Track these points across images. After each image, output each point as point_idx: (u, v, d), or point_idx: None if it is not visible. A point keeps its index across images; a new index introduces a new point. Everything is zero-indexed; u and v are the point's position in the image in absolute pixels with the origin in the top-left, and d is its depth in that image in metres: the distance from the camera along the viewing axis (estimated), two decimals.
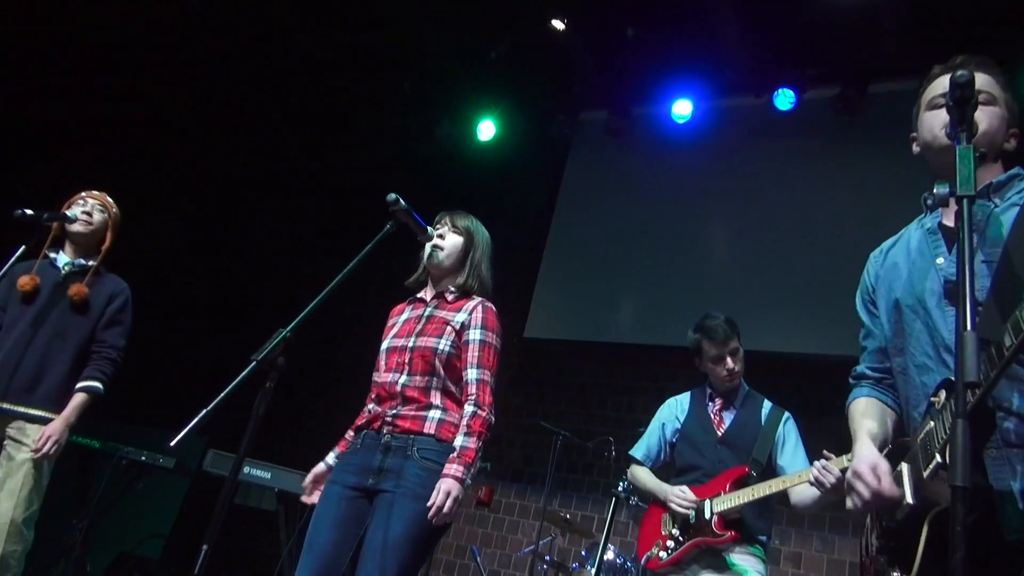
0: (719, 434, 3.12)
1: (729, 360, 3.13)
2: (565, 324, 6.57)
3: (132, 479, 5.21)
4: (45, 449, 2.98)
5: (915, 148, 1.71)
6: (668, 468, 3.37)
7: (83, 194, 3.38)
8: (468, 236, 2.61)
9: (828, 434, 5.17)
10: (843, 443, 5.39)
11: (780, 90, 5.94)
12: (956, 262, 1.22)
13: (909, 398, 1.58)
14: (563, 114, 6.85)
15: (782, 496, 2.94)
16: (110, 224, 3.38)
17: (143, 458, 5.04)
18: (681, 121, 6.39)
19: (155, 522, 6.08)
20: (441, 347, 2.43)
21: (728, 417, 3.16)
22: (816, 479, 2.62)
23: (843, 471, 2.62)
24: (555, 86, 6.75)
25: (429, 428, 2.34)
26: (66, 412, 3.08)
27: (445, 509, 2.19)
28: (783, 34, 5.76)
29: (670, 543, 3.00)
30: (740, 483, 2.96)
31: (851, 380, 1.87)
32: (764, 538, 3.01)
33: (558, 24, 5.90)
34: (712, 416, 3.18)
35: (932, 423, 1.38)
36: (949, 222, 1.57)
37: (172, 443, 1.59)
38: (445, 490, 2.21)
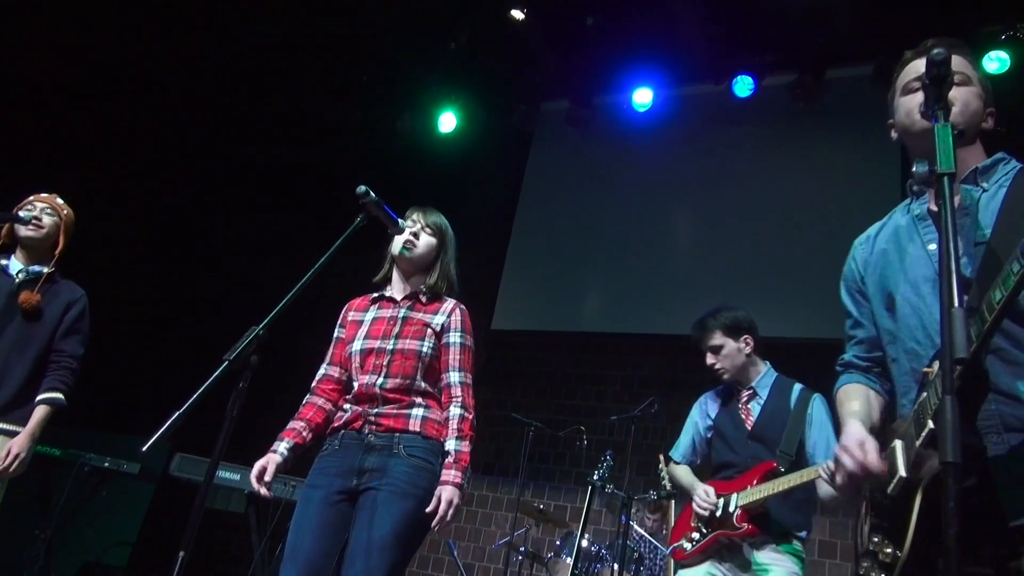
0: (748, 428, 3.04)
1: (709, 356, 3.11)
2: (532, 315, 6.57)
3: (95, 486, 5.08)
4: (12, 468, 2.90)
5: (893, 134, 1.72)
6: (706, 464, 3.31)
7: (31, 198, 3.26)
8: (441, 236, 2.59)
9: None
10: None
11: (739, 77, 6.00)
12: (938, 240, 1.23)
13: (900, 385, 1.59)
14: (524, 104, 6.84)
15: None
16: (62, 227, 3.27)
17: (106, 464, 4.92)
18: (642, 110, 6.43)
19: (120, 529, 5.95)
20: (424, 350, 2.41)
21: (756, 408, 3.08)
22: (823, 474, 2.55)
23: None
24: (515, 77, 6.73)
25: (414, 426, 2.32)
26: (30, 427, 2.98)
27: (448, 517, 2.20)
28: (741, 21, 5.81)
29: (695, 535, 3.00)
30: (767, 477, 2.87)
31: (838, 368, 1.86)
32: (803, 534, 2.91)
33: (517, 14, 5.87)
34: (740, 409, 3.10)
35: (925, 393, 1.38)
36: (937, 207, 1.57)
37: (144, 448, 1.54)
38: (447, 498, 2.21)
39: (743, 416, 3.08)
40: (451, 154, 6.98)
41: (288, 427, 2.47)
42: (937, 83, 1.26)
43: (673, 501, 3.64)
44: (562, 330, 6.42)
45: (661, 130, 6.42)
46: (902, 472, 1.38)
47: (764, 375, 3.14)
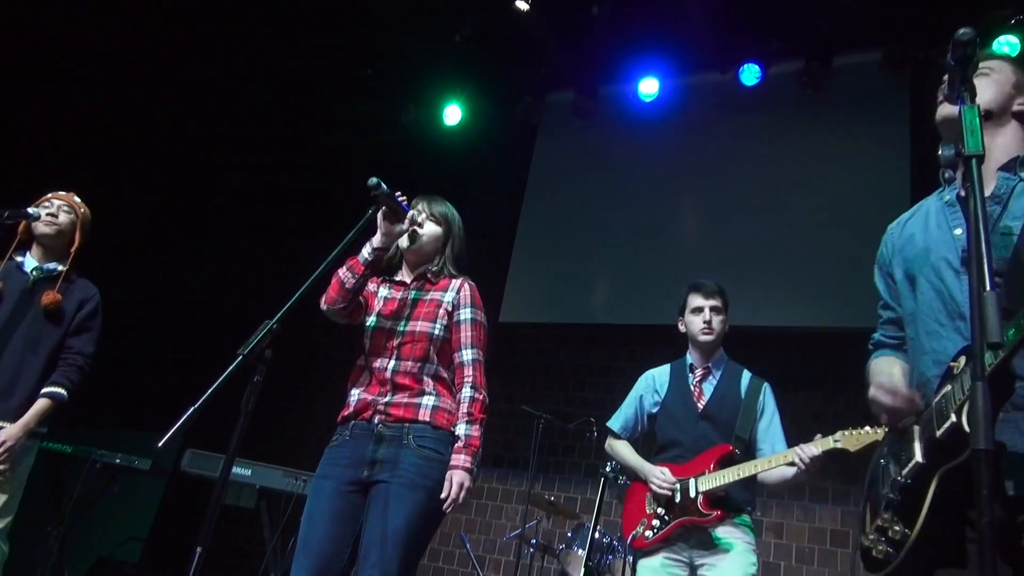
0: (700, 408, 3.09)
1: (707, 312, 3.13)
2: (540, 307, 6.56)
3: (107, 482, 5.10)
4: (1, 458, 2.87)
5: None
6: (648, 442, 3.34)
7: (49, 195, 3.26)
8: (446, 224, 2.57)
9: (804, 407, 5.29)
10: (819, 416, 5.47)
11: (746, 65, 5.96)
12: (964, 226, 1.22)
13: (919, 366, 1.60)
14: (530, 96, 6.80)
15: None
16: (78, 225, 3.27)
17: (117, 461, 4.94)
18: (648, 100, 6.38)
19: (133, 525, 5.97)
20: (436, 332, 2.41)
21: (708, 389, 3.13)
22: (798, 460, 2.71)
23: (826, 453, 2.72)
24: (521, 68, 6.69)
25: (424, 415, 2.30)
26: (25, 417, 2.95)
27: (460, 500, 2.20)
28: (747, 9, 5.76)
29: (656, 522, 2.99)
30: (724, 462, 2.94)
31: (870, 347, 1.91)
32: (750, 508, 3.02)
33: (522, 5, 5.83)
34: (692, 388, 3.14)
35: (949, 387, 1.38)
36: (966, 193, 1.57)
37: (160, 444, 1.53)
38: (457, 482, 2.21)
39: (695, 396, 3.12)
40: (457, 147, 6.95)
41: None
42: (962, 64, 1.24)
43: (604, 480, 3.62)
44: (570, 322, 6.40)
45: (668, 120, 6.38)
46: (918, 458, 1.40)
47: (721, 357, 3.22)
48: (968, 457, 1.24)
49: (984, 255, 1.01)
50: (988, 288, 0.99)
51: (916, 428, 1.44)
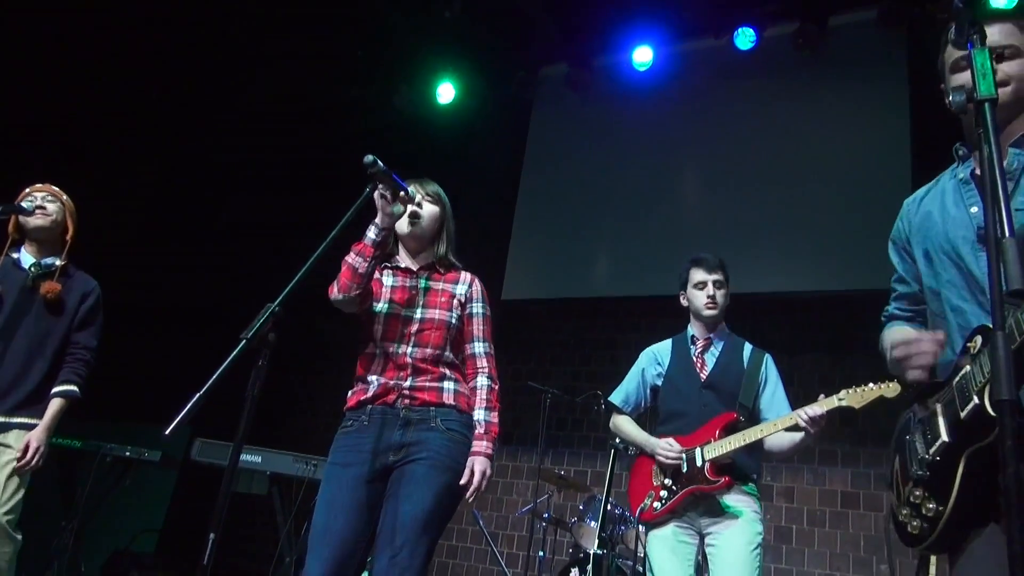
0: (703, 378, 3.09)
1: (711, 286, 3.12)
2: (543, 283, 6.54)
3: (118, 476, 5.12)
4: (34, 461, 2.92)
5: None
6: (651, 416, 3.34)
7: (28, 190, 3.23)
8: (441, 203, 2.56)
9: (810, 371, 5.29)
10: (826, 379, 5.48)
11: (740, 29, 5.89)
12: (980, 204, 1.19)
13: (950, 342, 1.58)
14: (523, 70, 6.74)
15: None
16: (67, 214, 3.24)
17: (127, 453, 4.95)
18: (642, 69, 6.32)
19: (146, 517, 6.00)
20: (452, 320, 2.44)
21: (710, 360, 3.14)
22: (801, 422, 2.72)
23: (832, 411, 2.72)
24: (512, 42, 6.62)
25: (448, 399, 2.32)
26: (46, 420, 3.00)
27: (482, 488, 2.24)
28: None
29: (663, 493, 2.99)
30: (729, 429, 2.95)
31: (883, 319, 1.90)
32: (755, 476, 3.03)
33: None
34: (694, 360, 3.15)
35: (968, 367, 1.38)
36: (981, 172, 1.54)
37: (167, 431, 1.52)
38: (480, 469, 2.24)
39: (697, 366, 3.13)
40: (451, 126, 6.90)
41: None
42: (970, 3, 1.20)
43: (614, 452, 3.62)
44: (574, 296, 6.39)
45: (663, 89, 6.32)
46: (944, 437, 1.40)
47: (723, 329, 3.22)
48: (994, 439, 1.26)
49: (1002, 201, 0.98)
50: (1008, 234, 0.97)
51: (939, 405, 1.43)
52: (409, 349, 2.34)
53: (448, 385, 2.35)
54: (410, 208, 2.43)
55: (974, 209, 1.53)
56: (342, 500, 2.20)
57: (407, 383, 2.30)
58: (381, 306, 2.42)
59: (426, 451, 2.20)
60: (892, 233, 1.87)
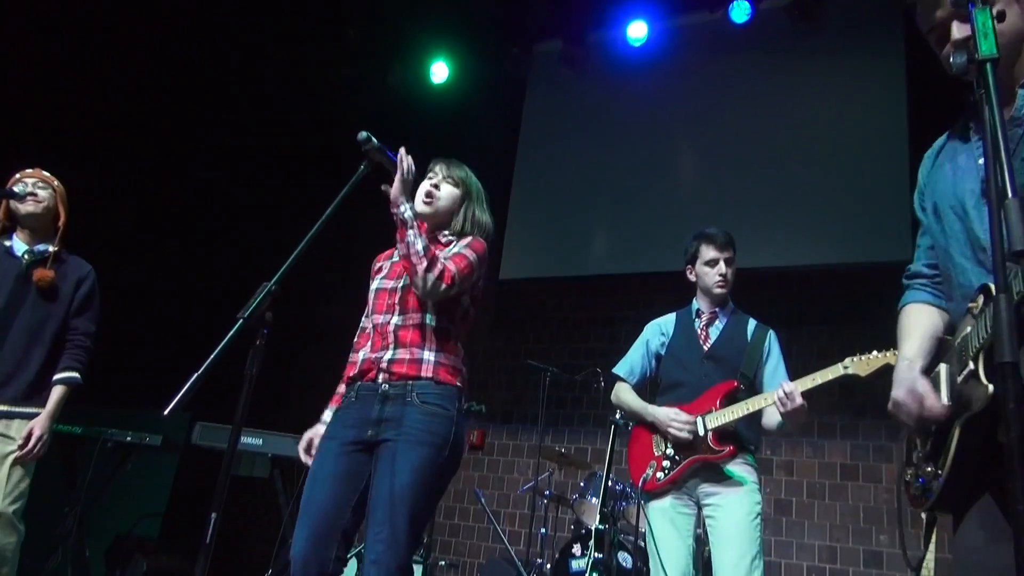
0: (705, 349, 3.11)
1: (723, 264, 3.12)
2: (540, 262, 6.53)
3: (120, 461, 5.12)
4: (36, 449, 2.92)
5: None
6: (651, 388, 3.34)
7: (18, 175, 3.19)
8: (464, 187, 2.51)
9: (808, 345, 5.30)
10: (825, 352, 5.49)
11: (735, 2, 5.84)
12: (984, 133, 1.16)
13: (952, 299, 1.57)
14: (516, 48, 6.66)
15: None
16: (59, 199, 3.21)
17: (128, 439, 4.95)
18: (637, 44, 6.27)
19: (149, 501, 6.02)
20: None
21: (714, 333, 3.15)
22: (779, 401, 2.76)
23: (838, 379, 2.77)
24: (506, 19, 6.54)
25: (426, 371, 2.28)
26: (49, 407, 3.00)
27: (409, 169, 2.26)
28: None
29: (666, 463, 2.99)
30: (730, 398, 2.97)
31: (904, 280, 1.81)
32: (753, 448, 3.05)
33: None
34: (698, 332, 3.16)
35: (968, 328, 1.35)
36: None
37: (166, 411, 1.52)
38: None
39: (700, 338, 3.14)
40: (445, 105, 6.84)
41: (336, 392, 2.45)
42: None
43: (614, 429, 3.62)
44: (571, 275, 6.38)
45: (658, 64, 6.27)
46: (945, 401, 1.39)
47: (728, 304, 3.23)
48: (986, 405, 1.24)
49: (1004, 160, 0.97)
50: (1010, 195, 0.95)
51: (943, 366, 1.42)
52: (394, 319, 2.32)
53: (428, 356, 2.29)
54: (427, 184, 2.41)
55: (982, 160, 1.47)
56: (323, 472, 2.23)
57: (387, 356, 2.29)
58: (373, 286, 2.45)
59: (401, 427, 2.19)
60: (917, 184, 1.79)
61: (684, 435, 2.94)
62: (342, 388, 2.45)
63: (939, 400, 1.42)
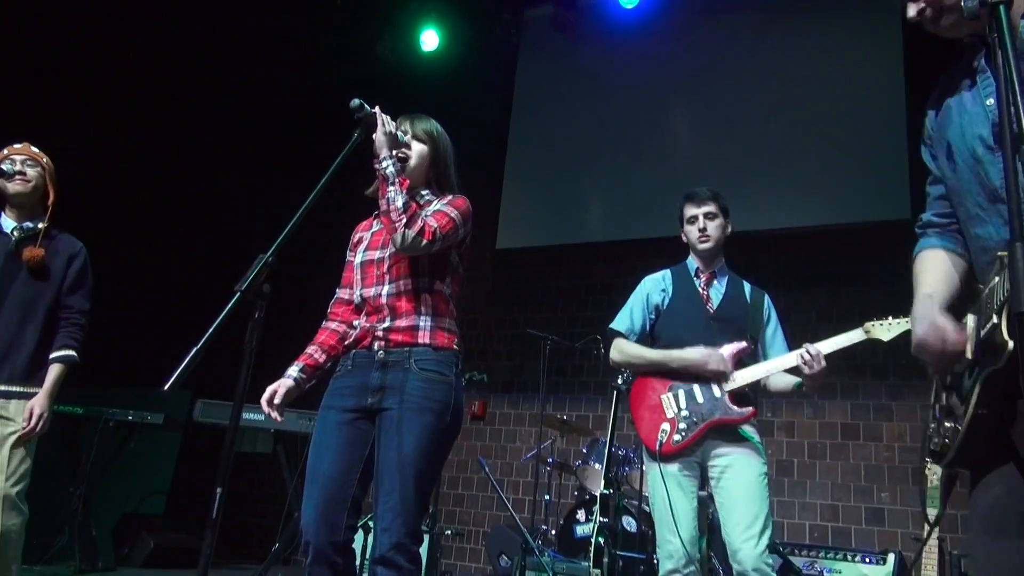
0: (710, 311, 3.05)
1: (701, 219, 3.09)
2: (537, 231, 6.49)
3: (122, 440, 5.14)
4: (38, 428, 2.90)
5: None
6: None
7: (6, 151, 3.13)
8: (432, 142, 2.46)
9: (807, 307, 5.29)
10: (824, 315, 5.47)
11: None
12: (995, 92, 1.11)
13: (971, 249, 1.53)
14: (507, 13, 6.57)
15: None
16: (47, 177, 3.15)
17: (130, 417, 4.96)
18: (629, 6, 6.20)
19: (153, 479, 6.04)
20: None
21: (715, 294, 3.10)
22: (805, 364, 2.77)
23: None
24: None
25: (423, 337, 2.25)
26: (47, 386, 2.96)
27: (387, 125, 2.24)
28: None
29: (682, 425, 2.91)
30: (743, 360, 2.93)
31: (917, 229, 1.73)
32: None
33: None
34: (700, 291, 3.10)
35: (996, 279, 1.31)
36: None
37: (166, 386, 1.50)
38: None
39: (703, 299, 3.08)
40: (437, 74, 6.76)
41: (304, 352, 2.42)
42: None
43: (616, 394, 3.57)
44: (568, 243, 6.35)
45: (651, 26, 6.19)
46: (968, 354, 1.36)
47: (723, 264, 3.19)
48: (1007, 362, 1.20)
49: (1021, 104, 0.93)
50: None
51: (971, 318, 1.38)
52: (384, 289, 2.29)
53: (424, 323, 2.26)
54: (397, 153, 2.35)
55: (990, 101, 1.42)
56: (326, 441, 2.22)
57: (383, 325, 2.26)
58: (357, 259, 2.40)
59: (401, 395, 2.17)
60: (923, 130, 1.72)
61: (728, 368, 2.90)
62: (311, 348, 2.41)
63: (962, 333, 1.39)
